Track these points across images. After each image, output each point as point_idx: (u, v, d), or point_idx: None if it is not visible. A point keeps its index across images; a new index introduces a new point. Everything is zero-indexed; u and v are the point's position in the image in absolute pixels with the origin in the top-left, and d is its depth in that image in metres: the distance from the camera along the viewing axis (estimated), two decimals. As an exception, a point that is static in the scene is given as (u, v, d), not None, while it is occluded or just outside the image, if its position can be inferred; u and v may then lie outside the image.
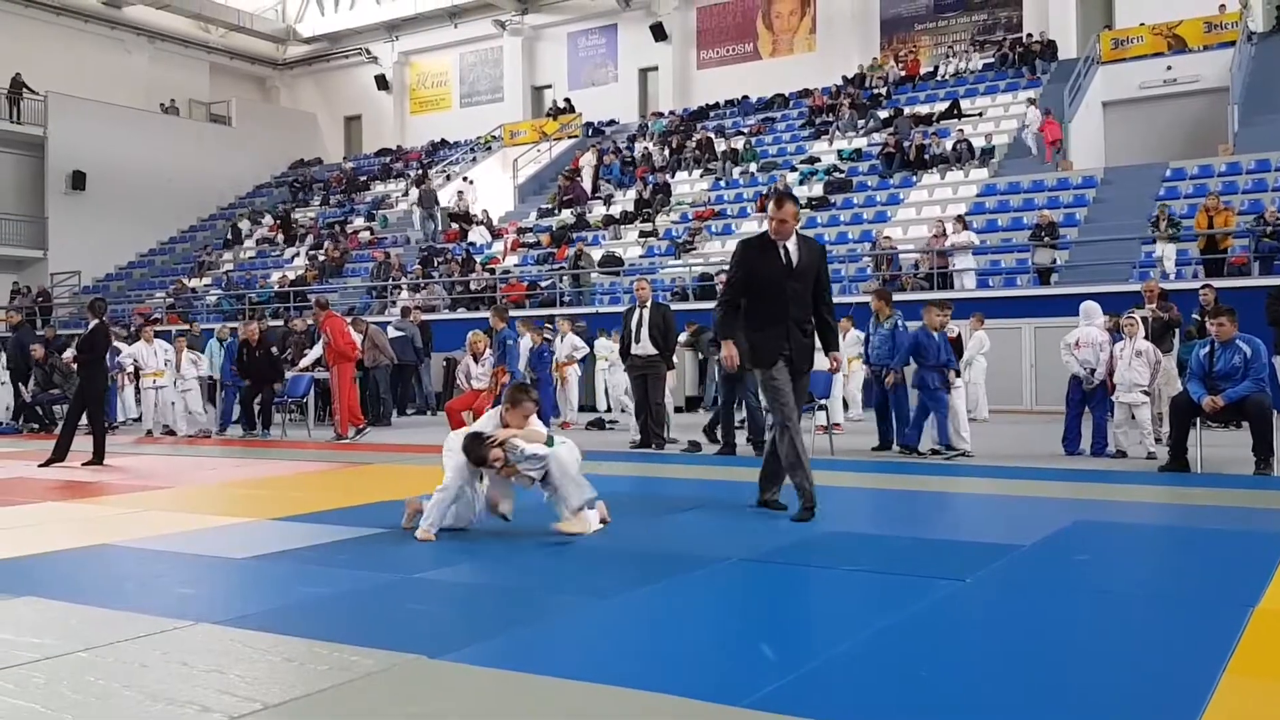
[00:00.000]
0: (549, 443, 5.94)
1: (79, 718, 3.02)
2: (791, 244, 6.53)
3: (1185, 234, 16.58)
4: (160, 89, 34.51)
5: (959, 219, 18.06)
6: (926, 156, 21.97)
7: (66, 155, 30.20)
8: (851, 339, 13.28)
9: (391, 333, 16.64)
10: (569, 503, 5.81)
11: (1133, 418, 9.61)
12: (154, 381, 14.16)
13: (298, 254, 28.26)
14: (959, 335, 10.51)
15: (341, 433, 12.98)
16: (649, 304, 11.12)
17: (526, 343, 14.51)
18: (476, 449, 5.82)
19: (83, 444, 10.47)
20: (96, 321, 10.76)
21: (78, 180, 30.40)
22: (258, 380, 13.46)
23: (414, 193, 28.10)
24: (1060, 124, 21.15)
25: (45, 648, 3.70)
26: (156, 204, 32.21)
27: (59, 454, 10.18)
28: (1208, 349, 8.46)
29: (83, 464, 10.12)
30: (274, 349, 13.89)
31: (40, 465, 10.09)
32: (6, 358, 17.08)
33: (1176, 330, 11.60)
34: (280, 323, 18.02)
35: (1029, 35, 26.05)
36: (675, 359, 12.71)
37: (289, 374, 13.80)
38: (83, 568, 5.33)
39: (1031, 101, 22.05)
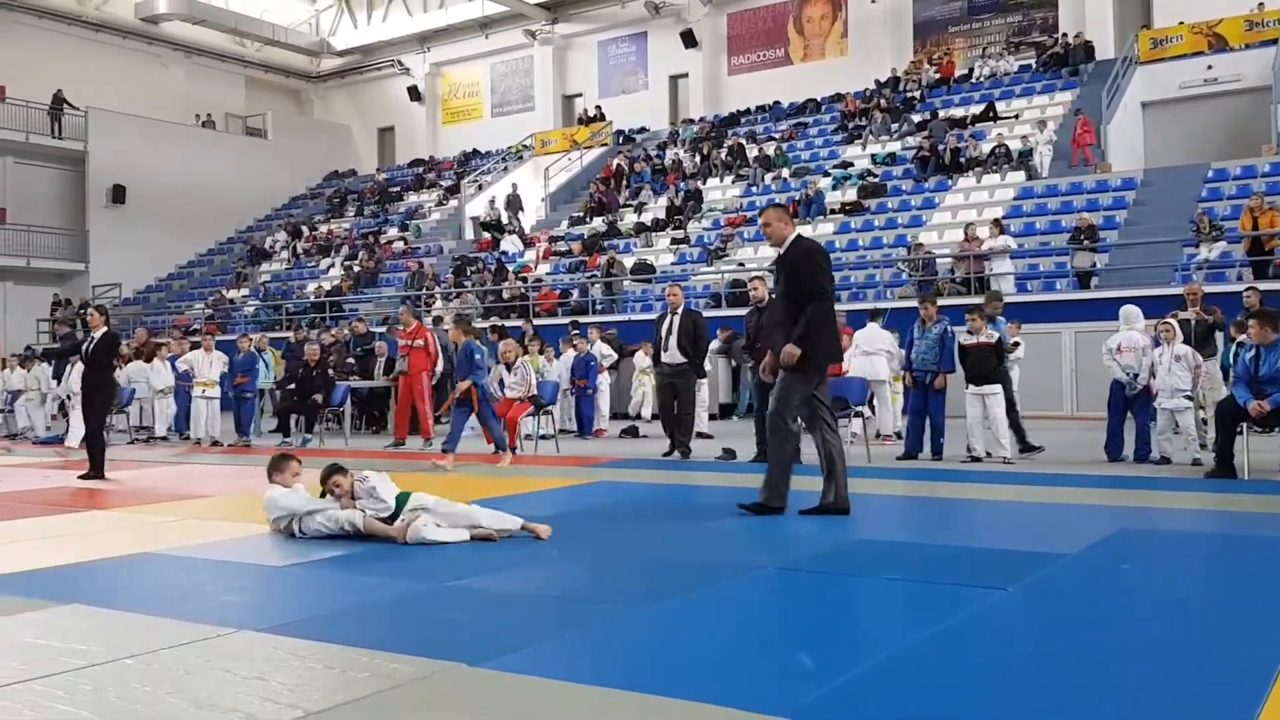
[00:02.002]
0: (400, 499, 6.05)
1: (125, 725, 3.05)
2: (782, 249, 6.77)
3: (1230, 235, 16.33)
4: (197, 103, 34.99)
5: (995, 223, 17.90)
6: (962, 160, 21.81)
7: (107, 169, 30.67)
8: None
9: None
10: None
11: (1176, 423, 9.47)
12: (204, 391, 14.28)
13: (333, 264, 28.52)
14: (999, 339, 10.40)
15: (427, 437, 13.17)
16: (680, 311, 11.05)
17: (568, 358, 14.55)
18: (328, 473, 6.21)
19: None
20: (105, 330, 10.39)
21: (118, 194, 30.87)
22: (308, 395, 13.58)
23: (501, 198, 28.39)
24: (1095, 128, 20.90)
25: (91, 654, 3.74)
26: (195, 216, 32.64)
27: (96, 467, 10.05)
28: (1253, 353, 8.32)
29: (79, 476, 9.95)
30: (330, 370, 14.01)
31: (80, 477, 10.02)
32: (54, 369, 17.35)
33: (1220, 334, 11.43)
34: (315, 332, 18.17)
35: (1065, 35, 25.81)
36: (709, 365, 12.70)
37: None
38: (126, 575, 5.39)
39: (1078, 111, 21.71)
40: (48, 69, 30.31)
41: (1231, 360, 9.28)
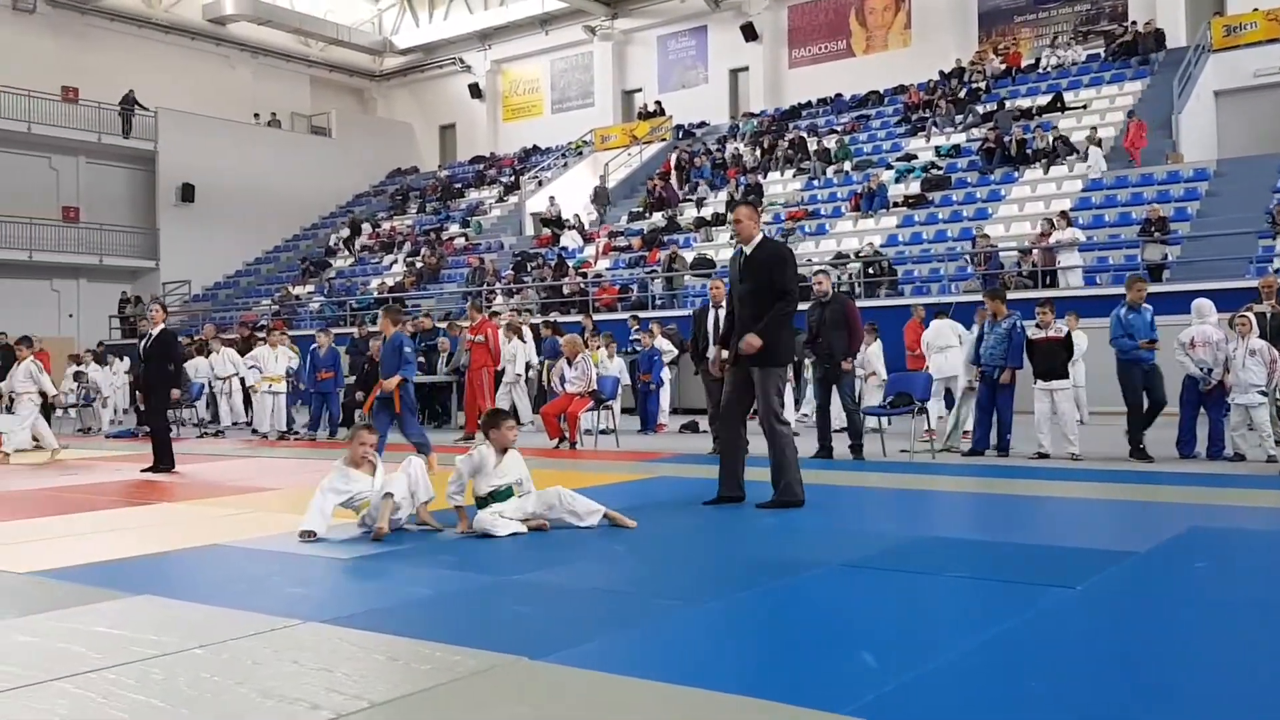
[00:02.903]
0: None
1: (195, 713, 3.11)
2: (749, 247, 7.05)
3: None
4: (263, 103, 35.61)
5: (1063, 214, 17.55)
6: (1029, 151, 21.42)
7: (176, 168, 31.35)
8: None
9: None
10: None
11: (1250, 420, 9.22)
12: (270, 386, 14.53)
13: (395, 261, 28.86)
14: (1068, 334, 10.20)
15: (470, 432, 13.32)
16: (724, 304, 10.84)
17: (619, 362, 14.54)
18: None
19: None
20: (162, 326, 10.56)
21: (187, 192, 31.54)
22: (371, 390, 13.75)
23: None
24: (1147, 127, 20.34)
25: (162, 644, 3.83)
26: (261, 214, 33.24)
27: (164, 460, 10.23)
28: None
29: (142, 469, 10.16)
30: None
31: (145, 470, 10.20)
32: (130, 364, 17.78)
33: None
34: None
35: (1134, 24, 25.21)
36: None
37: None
38: (196, 567, 5.51)
39: (1131, 114, 21.14)
40: (119, 71, 31.04)
41: None
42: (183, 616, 4.30)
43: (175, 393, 10.66)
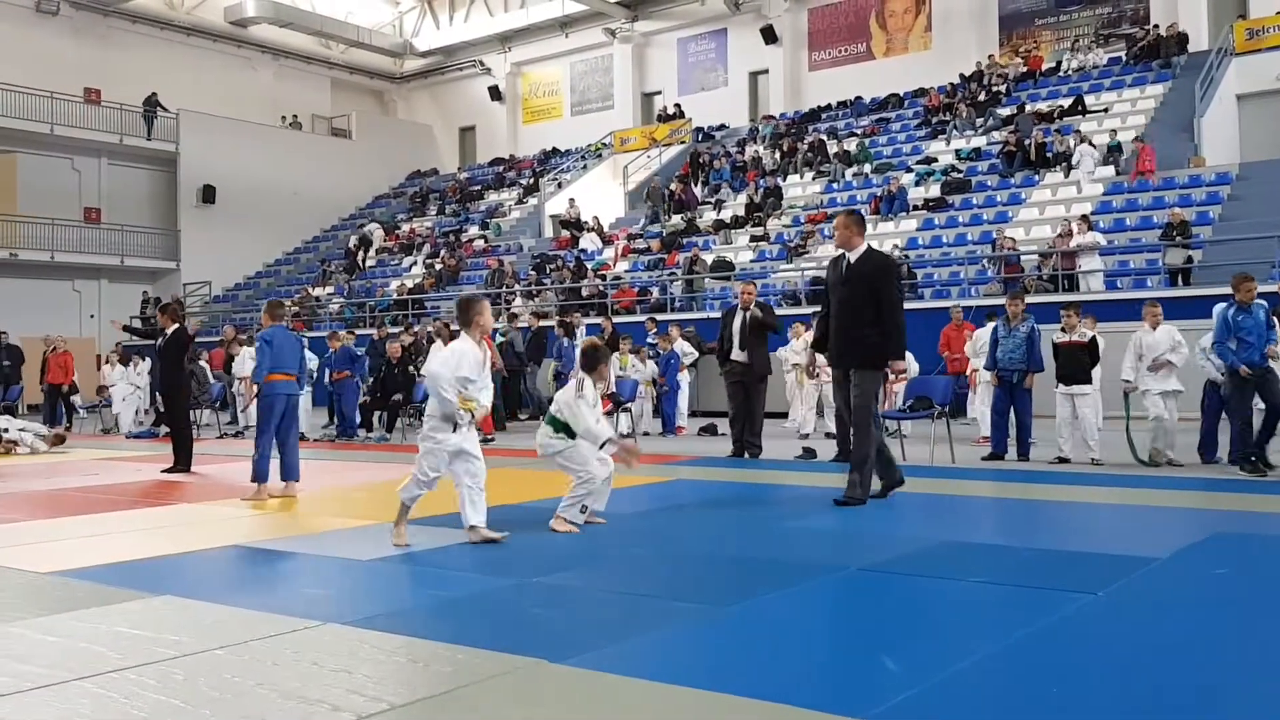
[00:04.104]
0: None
1: (217, 714, 3.13)
2: (853, 255, 7.29)
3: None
4: (284, 104, 35.82)
5: (1084, 218, 17.45)
6: (1049, 154, 21.30)
7: (197, 170, 31.56)
8: (800, 345, 13.15)
9: (497, 339, 16.90)
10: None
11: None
12: None
13: (415, 263, 28.96)
14: (1093, 339, 10.14)
15: (486, 434, 13.37)
16: (751, 308, 10.88)
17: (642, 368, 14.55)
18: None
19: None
20: (176, 326, 10.53)
21: (208, 194, 31.75)
22: (390, 393, 13.80)
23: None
24: (1154, 151, 20.19)
25: (183, 645, 3.85)
26: (282, 216, 33.43)
27: (183, 460, 10.27)
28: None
29: (163, 470, 10.19)
30: (411, 367, 14.23)
31: (165, 470, 10.25)
32: (151, 365, 17.86)
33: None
34: (400, 330, 18.44)
35: (1156, 27, 25.04)
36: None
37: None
38: (216, 568, 5.54)
39: (1139, 139, 20.93)
40: (141, 72, 31.28)
41: None
42: (203, 617, 4.32)
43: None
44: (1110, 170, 20.50)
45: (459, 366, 5.77)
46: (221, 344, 18.26)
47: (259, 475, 8.16)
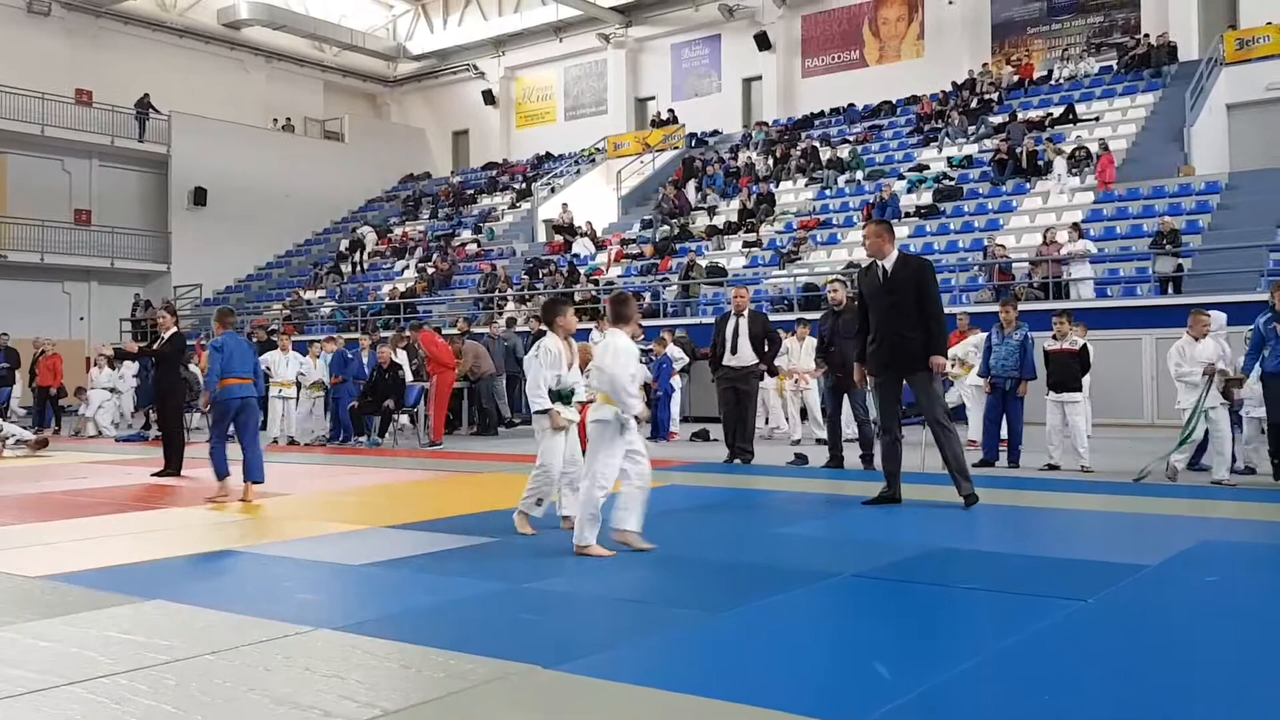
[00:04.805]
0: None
1: (208, 719, 3.12)
2: (889, 262, 7.35)
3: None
4: (277, 107, 35.75)
5: (1074, 226, 17.52)
6: (1040, 162, 21.38)
7: (188, 172, 31.48)
8: (808, 347, 13.18)
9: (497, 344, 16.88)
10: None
11: (1262, 432, 9.17)
12: (280, 391, 14.54)
13: (407, 267, 28.93)
14: (1084, 347, 10.18)
15: (435, 440, 13.46)
16: (746, 313, 10.92)
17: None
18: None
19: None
20: (174, 330, 10.51)
21: (199, 196, 31.66)
22: (381, 398, 13.78)
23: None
24: (1113, 159, 20.35)
25: (174, 650, 3.84)
26: (273, 218, 33.35)
27: (174, 464, 10.25)
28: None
29: (152, 473, 10.16)
30: (401, 371, 14.21)
31: (155, 474, 10.21)
32: (139, 368, 17.78)
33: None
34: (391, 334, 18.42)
35: (1147, 36, 25.17)
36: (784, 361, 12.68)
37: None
38: (207, 573, 5.53)
39: (1106, 148, 21.03)
40: (133, 74, 31.18)
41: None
42: (194, 622, 4.31)
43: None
44: (1084, 179, 20.58)
45: (629, 365, 5.83)
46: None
47: (219, 473, 8.47)
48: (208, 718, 3.13)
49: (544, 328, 6.66)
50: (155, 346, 10.82)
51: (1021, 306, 12.75)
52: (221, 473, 8.48)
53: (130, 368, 18.37)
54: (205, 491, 8.97)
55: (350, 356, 14.79)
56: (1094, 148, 21.10)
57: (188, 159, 31.38)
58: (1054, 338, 10.03)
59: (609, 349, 5.83)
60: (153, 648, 3.87)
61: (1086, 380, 10.38)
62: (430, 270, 27.21)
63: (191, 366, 15.30)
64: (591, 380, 5.93)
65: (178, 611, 4.50)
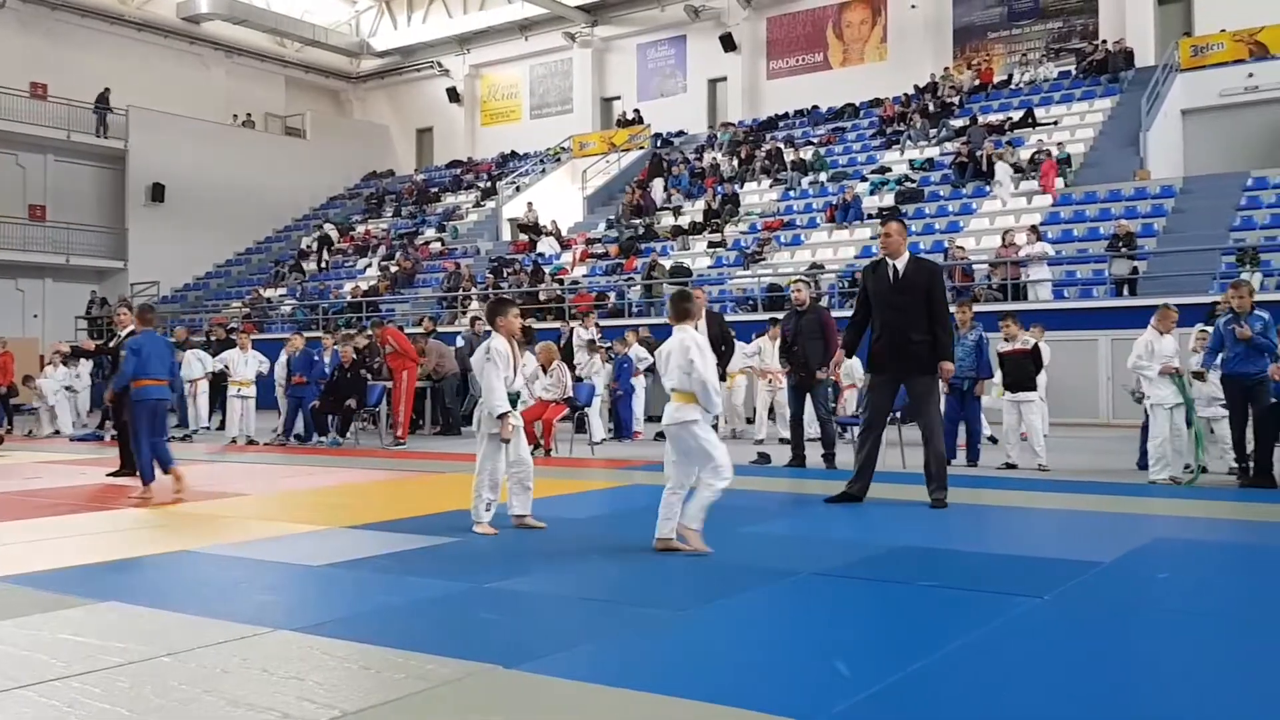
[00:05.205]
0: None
1: (164, 721, 3.09)
2: (900, 262, 7.35)
3: (1268, 245, 16.13)
4: (237, 103, 35.38)
5: (1033, 229, 17.74)
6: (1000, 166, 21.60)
7: (146, 168, 31.07)
8: (752, 349, 13.28)
9: (459, 342, 16.82)
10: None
11: (1212, 432, 9.34)
12: (239, 390, 14.39)
13: (370, 265, 28.73)
14: (1035, 347, 10.31)
15: (400, 437, 13.37)
16: (703, 314, 10.95)
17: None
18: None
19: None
20: (131, 328, 10.16)
21: (157, 192, 31.26)
22: (344, 397, 13.68)
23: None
24: (1058, 167, 20.70)
25: (129, 652, 3.79)
26: (233, 215, 32.99)
27: (131, 464, 10.14)
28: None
29: (108, 474, 10.01)
30: (363, 370, 14.10)
31: (110, 474, 10.06)
32: (94, 365, 17.53)
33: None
34: (353, 332, 18.29)
35: (1105, 42, 25.53)
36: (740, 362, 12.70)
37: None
38: (163, 574, 5.46)
39: (1048, 154, 21.35)
40: (89, 68, 30.73)
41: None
42: (150, 624, 4.26)
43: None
44: (1031, 184, 20.87)
45: (713, 363, 5.76)
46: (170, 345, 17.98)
47: (145, 477, 8.39)
48: (163, 720, 3.09)
49: (489, 328, 6.61)
50: (113, 344, 10.65)
51: (980, 308, 12.92)
52: (148, 476, 8.40)
53: (86, 366, 18.11)
54: (164, 493, 8.86)
55: (316, 358, 14.68)
56: (1054, 151, 21.39)
57: (146, 154, 30.98)
58: (1005, 340, 10.17)
59: (694, 347, 5.67)
60: (106, 650, 3.82)
61: (1043, 380, 10.51)
62: (393, 269, 27.05)
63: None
64: (671, 380, 5.75)
65: (132, 613, 4.45)
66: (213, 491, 8.84)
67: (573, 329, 16.36)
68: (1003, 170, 20.94)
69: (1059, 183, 20.78)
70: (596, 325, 16.61)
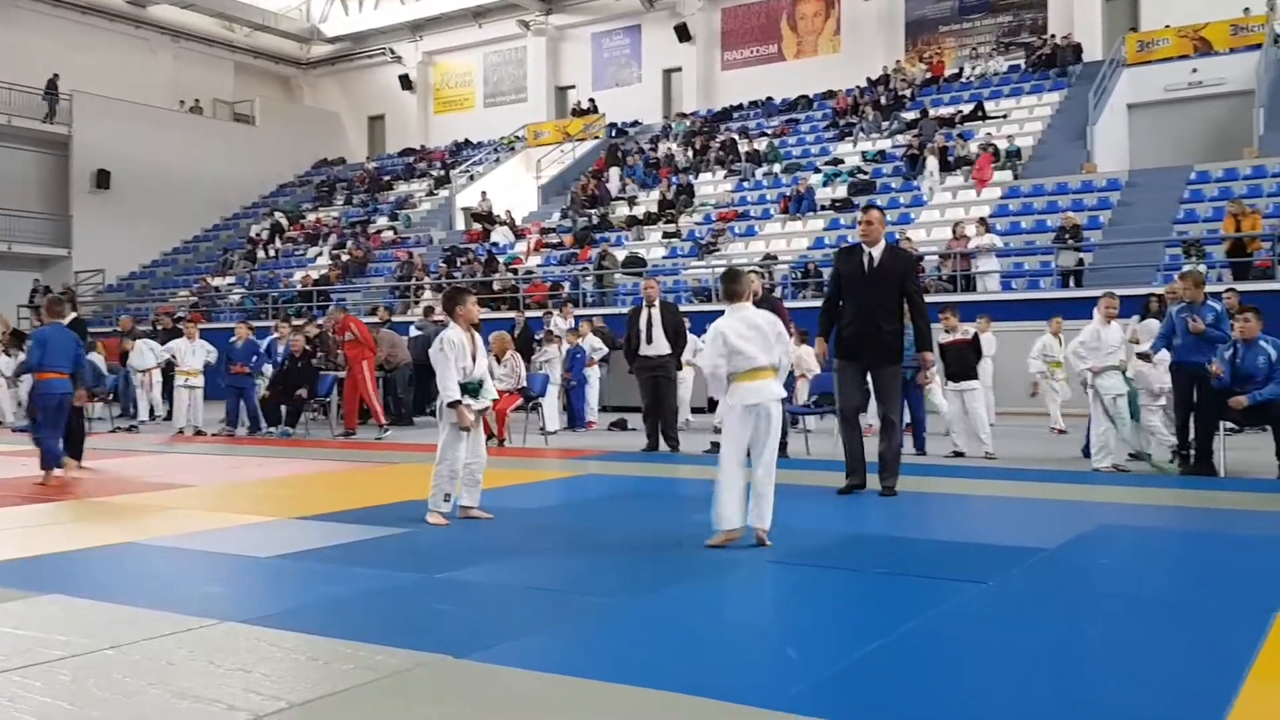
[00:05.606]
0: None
1: (106, 715, 3.05)
2: (877, 250, 7.32)
3: (1210, 238, 16.46)
4: (184, 88, 34.74)
5: (981, 221, 17.97)
6: (950, 159, 21.85)
7: (91, 154, 30.44)
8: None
9: (413, 332, 16.70)
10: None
11: (1171, 418, 9.52)
12: (187, 380, 14.18)
13: (320, 253, 28.40)
14: (975, 336, 10.47)
15: (349, 428, 13.27)
16: (657, 303, 11.04)
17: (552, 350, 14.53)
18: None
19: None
20: (73, 316, 10.08)
21: (102, 179, 30.64)
22: (293, 387, 13.51)
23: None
24: (996, 160, 21.06)
25: (72, 645, 3.73)
26: (180, 203, 32.41)
27: (74, 454, 9.93)
28: (1231, 350, 8.37)
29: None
30: (314, 360, 13.93)
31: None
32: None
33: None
34: (303, 321, 18.09)
35: (1053, 37, 25.89)
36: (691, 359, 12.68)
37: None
38: (109, 566, 5.37)
39: (987, 148, 21.68)
40: (31, 51, 30.00)
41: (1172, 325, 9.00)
42: (93, 617, 4.19)
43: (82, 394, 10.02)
44: (1008, 174, 21.14)
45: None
46: (116, 334, 17.71)
47: (49, 463, 8.66)
48: (106, 713, 3.05)
49: (445, 319, 6.61)
50: None
51: (931, 299, 13.05)
52: (54, 463, 8.63)
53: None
54: (108, 484, 8.74)
55: (261, 350, 14.49)
56: (1003, 145, 21.66)
57: (90, 140, 30.34)
58: (945, 331, 10.31)
59: (776, 327, 5.54)
60: (48, 643, 3.76)
61: (989, 369, 10.64)
62: (345, 257, 26.77)
63: (93, 354, 14.86)
64: (771, 356, 5.53)
65: (76, 606, 4.38)
66: (160, 483, 8.72)
67: (551, 316, 16.34)
68: (932, 163, 21.24)
69: (1007, 175, 21.05)
70: (574, 316, 16.64)
